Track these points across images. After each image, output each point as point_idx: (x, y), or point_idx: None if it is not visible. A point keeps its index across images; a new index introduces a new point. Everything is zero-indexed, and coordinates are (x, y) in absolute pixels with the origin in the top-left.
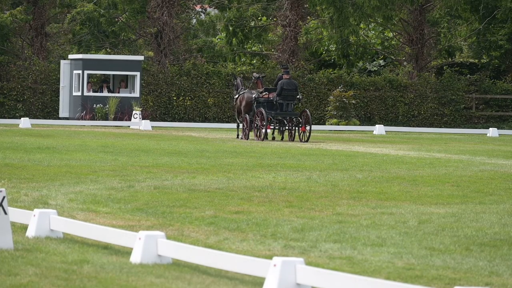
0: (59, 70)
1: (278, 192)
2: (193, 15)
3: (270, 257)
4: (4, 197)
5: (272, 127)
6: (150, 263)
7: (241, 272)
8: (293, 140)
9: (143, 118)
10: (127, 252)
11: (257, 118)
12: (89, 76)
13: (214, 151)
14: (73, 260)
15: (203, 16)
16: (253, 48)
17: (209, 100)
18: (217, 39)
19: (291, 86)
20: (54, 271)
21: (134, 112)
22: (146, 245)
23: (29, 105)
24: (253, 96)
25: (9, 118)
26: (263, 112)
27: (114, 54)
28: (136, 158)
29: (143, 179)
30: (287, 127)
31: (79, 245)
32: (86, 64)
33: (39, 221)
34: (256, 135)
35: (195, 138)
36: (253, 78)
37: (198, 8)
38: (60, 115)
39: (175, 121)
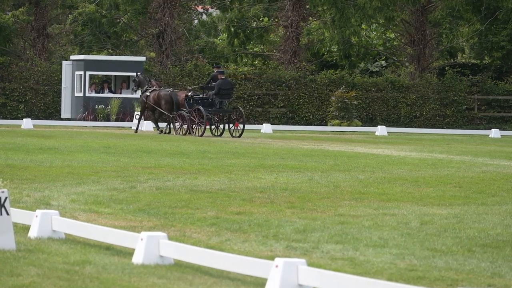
0: (61, 71)
1: (280, 193)
2: (194, 16)
3: (272, 258)
4: (6, 198)
5: (210, 124)
6: (152, 264)
7: (243, 273)
8: (231, 135)
9: (145, 119)
10: (129, 253)
11: (194, 115)
12: (91, 77)
13: (216, 152)
14: (75, 261)
15: (204, 17)
16: (254, 49)
17: None
18: (219, 40)
19: (228, 85)
20: (56, 271)
21: (136, 113)
22: (148, 246)
23: (31, 106)
24: (189, 94)
25: (11, 119)
26: (202, 110)
27: (115, 55)
28: (138, 159)
29: (145, 180)
30: (223, 124)
31: (81, 245)
32: (88, 65)
33: (41, 222)
34: (193, 131)
35: (196, 139)
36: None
37: (199, 9)
38: (62, 116)
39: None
